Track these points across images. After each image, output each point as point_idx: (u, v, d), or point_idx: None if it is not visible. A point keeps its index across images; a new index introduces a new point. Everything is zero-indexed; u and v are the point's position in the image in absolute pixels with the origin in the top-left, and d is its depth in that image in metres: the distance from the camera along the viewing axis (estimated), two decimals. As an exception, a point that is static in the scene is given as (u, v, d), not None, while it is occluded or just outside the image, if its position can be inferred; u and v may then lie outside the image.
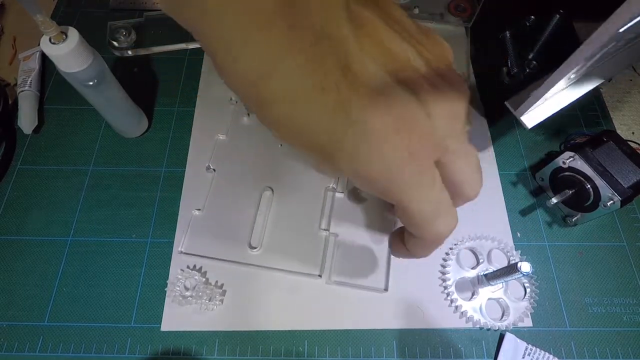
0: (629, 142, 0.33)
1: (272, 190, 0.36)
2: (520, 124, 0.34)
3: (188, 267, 0.33)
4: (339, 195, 0.36)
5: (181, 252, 0.33)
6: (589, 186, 0.32)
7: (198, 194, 0.36)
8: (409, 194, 0.17)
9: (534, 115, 0.33)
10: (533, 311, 0.32)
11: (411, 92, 0.17)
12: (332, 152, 0.16)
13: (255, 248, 0.34)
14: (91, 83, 0.31)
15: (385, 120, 0.16)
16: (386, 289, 0.32)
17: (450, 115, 0.18)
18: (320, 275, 0.33)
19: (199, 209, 0.35)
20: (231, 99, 0.41)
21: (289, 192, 0.36)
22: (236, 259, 0.33)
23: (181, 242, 0.34)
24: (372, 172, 0.17)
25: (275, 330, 0.31)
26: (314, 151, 0.17)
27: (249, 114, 0.40)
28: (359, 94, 0.15)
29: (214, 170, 0.37)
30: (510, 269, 0.28)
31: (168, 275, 0.33)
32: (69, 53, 0.28)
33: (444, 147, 0.18)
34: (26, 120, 0.38)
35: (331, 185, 0.36)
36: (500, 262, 0.34)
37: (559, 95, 0.33)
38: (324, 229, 0.34)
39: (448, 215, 0.20)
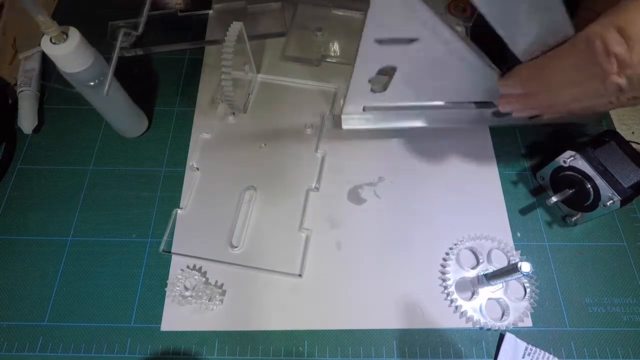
0: (630, 142, 0.33)
1: (255, 189, 0.36)
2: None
3: (188, 267, 0.33)
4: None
5: (163, 252, 0.34)
6: (589, 186, 0.32)
7: (187, 192, 0.36)
8: None
9: (351, 121, 0.38)
10: (533, 311, 0.32)
11: None
12: None
13: (236, 247, 0.34)
14: (92, 83, 0.31)
15: None
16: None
17: None
18: (300, 275, 0.33)
19: (182, 208, 0.35)
20: (217, 98, 0.41)
21: (271, 191, 0.36)
22: (217, 257, 0.33)
23: (163, 240, 0.34)
24: None
25: (275, 330, 0.31)
26: None
27: (234, 113, 0.40)
28: None
29: (198, 169, 0.37)
30: (510, 269, 0.28)
31: (168, 275, 0.33)
32: (70, 53, 0.28)
33: None
34: (26, 120, 0.38)
35: (313, 185, 0.36)
36: (500, 262, 0.34)
37: (380, 115, 0.37)
38: (305, 229, 0.35)
39: None
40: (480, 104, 0.36)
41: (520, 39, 0.25)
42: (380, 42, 0.27)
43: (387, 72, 0.31)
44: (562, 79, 0.25)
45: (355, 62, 0.29)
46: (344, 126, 0.37)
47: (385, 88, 0.33)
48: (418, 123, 0.37)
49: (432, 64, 0.30)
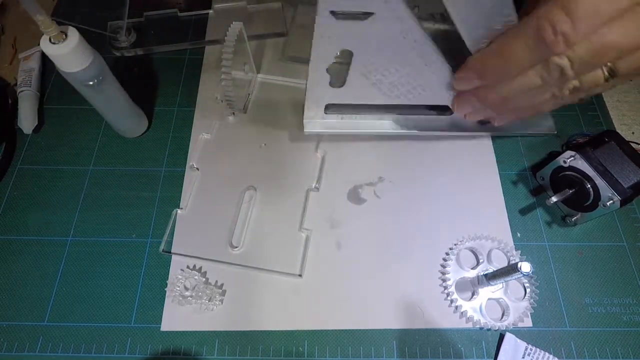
0: (629, 142, 0.33)
1: (255, 189, 0.36)
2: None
3: (188, 267, 0.33)
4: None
5: (163, 252, 0.34)
6: (589, 186, 0.32)
7: (187, 192, 0.36)
8: None
9: (314, 124, 0.36)
10: (533, 311, 0.32)
11: None
12: None
13: (236, 247, 0.34)
14: (91, 83, 0.31)
15: None
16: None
17: None
18: (300, 275, 0.33)
19: (182, 208, 0.35)
20: (217, 98, 0.41)
21: (271, 191, 0.36)
22: (217, 257, 0.33)
23: (163, 240, 0.34)
24: None
25: (275, 330, 0.31)
26: None
27: (234, 113, 0.40)
28: None
29: (198, 169, 0.37)
30: (510, 269, 0.28)
31: (168, 275, 0.33)
32: (69, 53, 0.28)
33: None
34: (26, 120, 0.38)
35: (313, 185, 0.36)
36: (500, 262, 0.34)
37: (344, 118, 0.36)
38: (305, 229, 0.34)
39: None
40: (438, 109, 0.35)
41: (470, 23, 0.25)
42: (335, 14, 0.25)
43: (345, 62, 0.30)
44: (515, 62, 0.25)
45: (312, 44, 0.28)
46: (307, 129, 0.35)
47: (344, 81, 0.31)
48: (382, 128, 0.36)
49: (387, 49, 0.28)
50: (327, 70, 0.30)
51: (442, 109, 0.35)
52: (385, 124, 0.36)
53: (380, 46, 0.28)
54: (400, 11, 0.25)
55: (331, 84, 0.32)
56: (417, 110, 0.35)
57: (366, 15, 0.25)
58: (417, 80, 0.31)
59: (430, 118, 0.36)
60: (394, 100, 0.33)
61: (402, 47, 0.28)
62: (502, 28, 0.25)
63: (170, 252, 0.34)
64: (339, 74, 0.31)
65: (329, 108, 0.35)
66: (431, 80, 0.31)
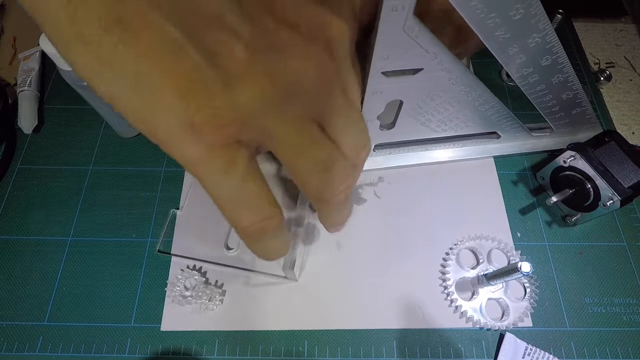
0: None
1: None
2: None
3: (188, 267, 0.33)
4: None
5: (159, 252, 0.33)
6: (589, 186, 0.32)
7: (186, 193, 0.36)
8: (199, 171, 0.17)
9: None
10: (533, 311, 0.32)
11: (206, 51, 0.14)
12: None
13: (232, 249, 0.34)
14: (85, 83, 0.31)
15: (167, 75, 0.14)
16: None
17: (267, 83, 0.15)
18: (296, 279, 0.33)
19: (180, 208, 0.35)
20: None
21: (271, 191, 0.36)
22: (214, 259, 0.33)
23: (159, 240, 0.34)
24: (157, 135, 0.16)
25: (275, 330, 0.31)
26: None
27: None
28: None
29: None
30: (510, 269, 0.28)
31: (168, 275, 0.33)
32: None
33: (258, 126, 0.16)
34: (26, 120, 0.38)
35: None
36: (500, 262, 0.34)
37: (389, 154, 0.37)
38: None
39: (252, 209, 0.18)
40: (485, 135, 0.37)
41: (531, 82, 0.26)
42: (386, 74, 0.26)
43: (393, 107, 0.31)
44: None
45: (363, 100, 0.29)
46: None
47: (393, 124, 0.33)
48: (429, 159, 0.38)
49: (437, 94, 0.29)
50: (377, 117, 0.31)
51: (489, 135, 0.37)
52: (432, 154, 0.38)
53: (430, 93, 0.29)
54: (449, 63, 0.26)
55: (380, 128, 0.33)
56: (463, 139, 0.37)
57: (415, 71, 0.27)
58: (467, 114, 0.32)
59: (477, 144, 0.38)
60: (442, 134, 0.35)
61: (451, 91, 0.29)
62: (561, 79, 0.27)
63: (166, 253, 0.34)
64: (387, 118, 0.32)
65: (377, 146, 0.36)
66: (480, 112, 0.32)
